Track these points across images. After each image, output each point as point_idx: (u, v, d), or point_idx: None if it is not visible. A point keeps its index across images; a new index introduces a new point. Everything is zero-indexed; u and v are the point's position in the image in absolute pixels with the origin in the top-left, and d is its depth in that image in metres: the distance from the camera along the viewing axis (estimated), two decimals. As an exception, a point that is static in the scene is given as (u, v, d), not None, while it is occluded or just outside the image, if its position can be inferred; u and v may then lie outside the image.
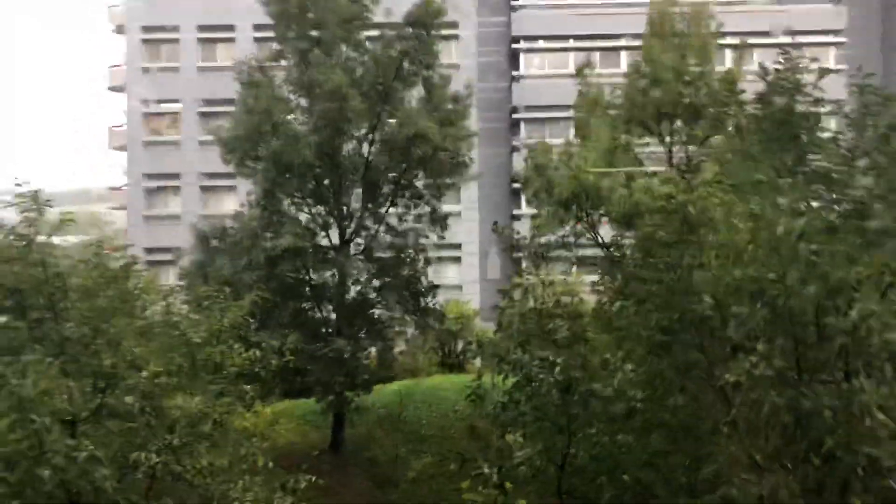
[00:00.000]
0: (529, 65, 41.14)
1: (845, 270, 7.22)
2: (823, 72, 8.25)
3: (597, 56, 26.16)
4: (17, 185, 8.32)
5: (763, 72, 9.22)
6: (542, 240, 22.35)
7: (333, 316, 21.36)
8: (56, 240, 8.67)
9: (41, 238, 8.48)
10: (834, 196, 8.14)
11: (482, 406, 9.64)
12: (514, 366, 9.45)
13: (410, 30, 20.96)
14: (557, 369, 9.12)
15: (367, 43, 21.59)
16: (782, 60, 8.46)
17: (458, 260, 36.71)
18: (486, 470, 8.83)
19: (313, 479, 9.29)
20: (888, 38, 41.32)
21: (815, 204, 7.89)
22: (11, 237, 8.43)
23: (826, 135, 8.40)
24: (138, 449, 7.98)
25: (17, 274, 8.34)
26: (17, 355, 7.71)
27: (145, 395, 8.51)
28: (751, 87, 10.80)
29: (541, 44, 40.82)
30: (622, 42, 37.61)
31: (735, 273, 7.49)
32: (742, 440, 7.90)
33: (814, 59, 8.61)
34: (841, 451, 6.94)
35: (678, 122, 21.53)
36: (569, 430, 9.47)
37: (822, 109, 8.36)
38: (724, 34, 23.18)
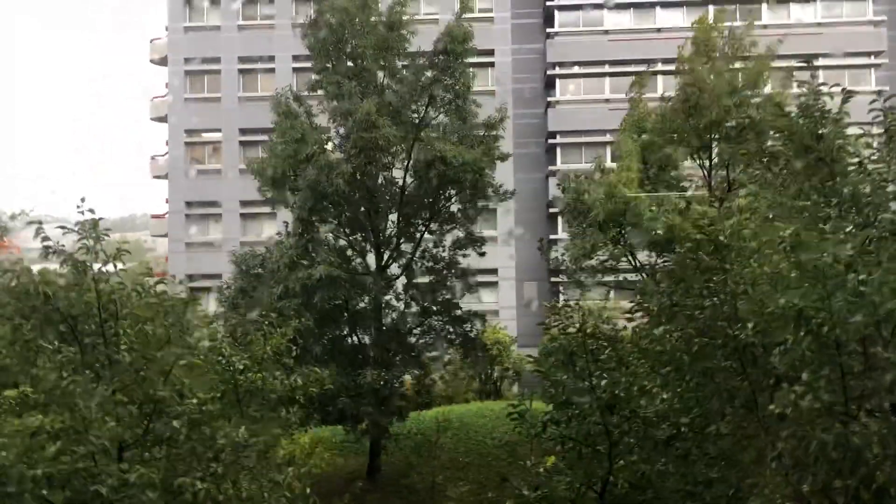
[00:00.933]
0: (565, 90, 41.31)
1: (893, 299, 7.11)
2: (848, 94, 8.19)
3: (646, 80, 26.14)
4: (80, 212, 8.62)
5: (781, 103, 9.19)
6: (581, 264, 22.28)
7: (369, 345, 21.53)
8: (109, 268, 8.93)
9: (97, 266, 8.74)
10: (865, 221, 8.05)
11: (523, 426, 9.60)
12: (556, 385, 9.42)
13: (441, 57, 21.28)
14: (601, 389, 9.07)
15: (403, 71, 21.96)
16: (807, 85, 8.43)
17: (494, 285, 36.69)
18: (526, 492, 8.79)
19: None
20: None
21: (852, 230, 7.81)
22: (68, 265, 8.71)
23: (854, 159, 8.33)
24: (183, 475, 8.13)
25: (71, 300, 8.60)
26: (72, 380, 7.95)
27: (192, 423, 8.67)
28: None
29: (576, 69, 41.00)
30: (658, 67, 37.58)
31: (779, 301, 7.41)
32: (788, 474, 7.77)
33: (836, 84, 8.54)
34: (893, 487, 6.79)
35: (720, 145, 21.44)
36: (610, 456, 9.39)
37: (851, 133, 8.31)
38: (773, 57, 23.11)
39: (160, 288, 9.04)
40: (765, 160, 9.16)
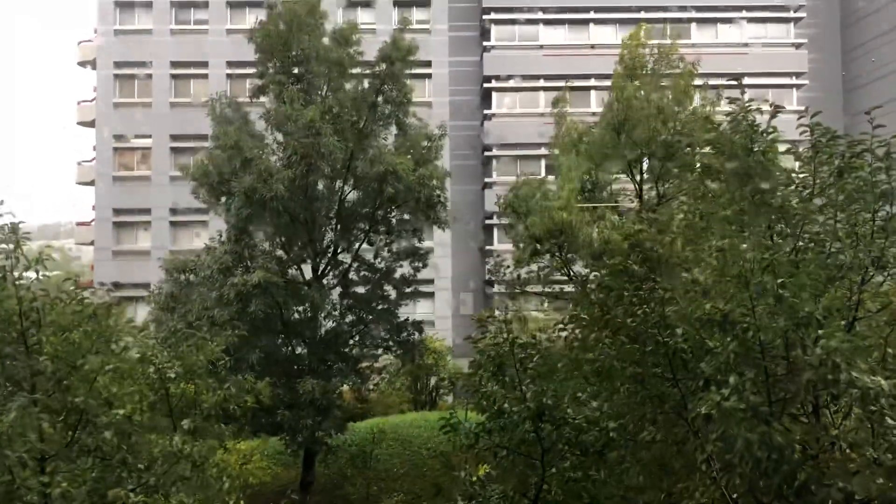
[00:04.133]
0: (501, 103, 41.81)
1: (811, 304, 7.43)
2: (776, 110, 8.54)
3: (567, 95, 26.78)
4: None
5: (711, 125, 9.52)
6: (517, 274, 22.54)
7: (306, 354, 21.25)
8: (30, 274, 8.59)
9: (17, 273, 8.39)
10: (792, 232, 8.39)
11: (455, 437, 9.63)
12: (486, 397, 9.47)
13: (383, 67, 21.30)
14: (529, 395, 9.17)
15: (345, 85, 21.88)
16: (736, 100, 8.75)
17: (430, 295, 36.74)
18: (461, 503, 8.80)
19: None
20: (849, 80, 42.69)
21: (776, 239, 8.13)
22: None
23: (781, 174, 8.68)
24: (113, 486, 7.85)
25: (-11, 307, 8.24)
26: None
27: (121, 433, 8.39)
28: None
29: (512, 83, 41.55)
30: (592, 82, 38.42)
31: (705, 306, 7.65)
32: (717, 477, 7.99)
33: (765, 100, 8.91)
34: (814, 485, 7.06)
35: (651, 160, 21.99)
36: (542, 463, 9.48)
37: (779, 149, 8.65)
38: (698, 75, 23.80)
39: (84, 295, 8.74)
40: (696, 173, 9.45)
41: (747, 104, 8.28)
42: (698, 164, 9.42)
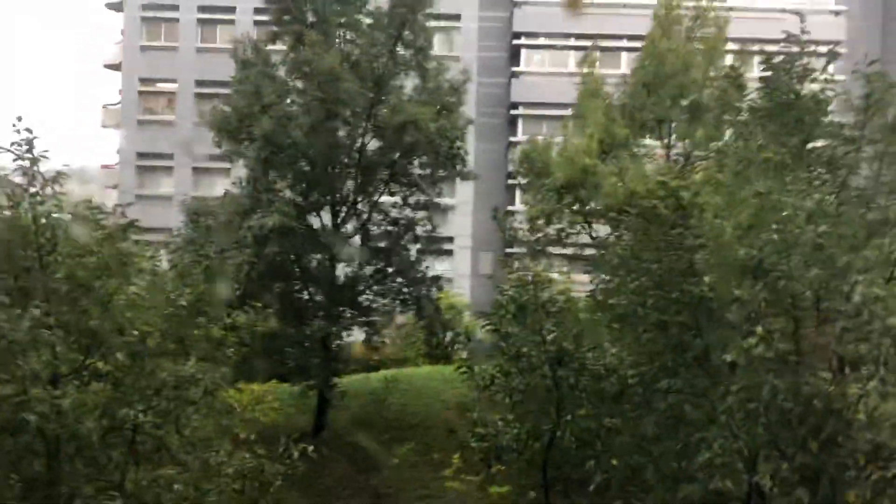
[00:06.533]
0: (530, 61, 41.00)
1: (851, 255, 7.13)
2: (832, 55, 8.15)
3: (597, 55, 26.13)
4: (15, 130, 8.09)
5: (767, 58, 9.12)
6: (538, 229, 22.15)
7: (320, 299, 21.17)
8: (49, 192, 8.47)
9: (34, 189, 8.28)
10: (837, 182, 8.08)
11: (472, 378, 9.49)
12: (506, 338, 9.30)
13: (402, 9, 20.77)
14: (550, 339, 8.98)
15: (364, 26, 21.42)
16: (787, 43, 8.35)
17: (450, 253, 36.50)
18: (474, 444, 8.69)
19: (309, 448, 9.18)
20: (888, 49, 41.44)
21: (819, 188, 7.80)
22: (2, 186, 8.22)
23: (831, 120, 8.32)
24: (124, 407, 7.79)
25: (5, 221, 8.13)
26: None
27: (133, 356, 8.32)
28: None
29: (542, 41, 40.69)
30: (623, 43, 37.49)
31: (738, 253, 7.37)
32: (735, 428, 7.79)
33: (817, 41, 8.50)
34: (841, 437, 6.84)
35: (680, 121, 21.43)
36: (558, 409, 9.33)
37: (829, 94, 8.26)
38: (729, 39, 23.10)
39: (101, 215, 8.61)
40: (742, 114, 9.08)
41: (803, 42, 7.87)
42: (745, 106, 9.03)
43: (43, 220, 8.27)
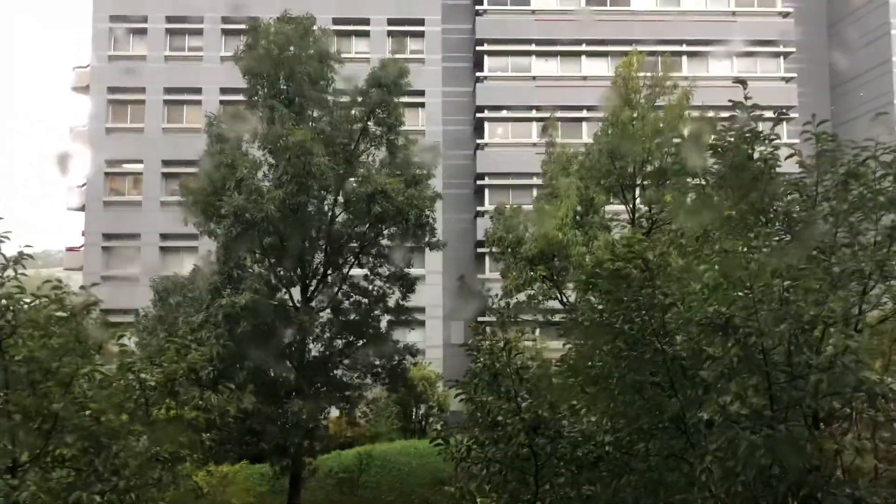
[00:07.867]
0: (493, 133, 41.94)
1: (817, 308, 7.21)
2: (780, 116, 8.45)
3: (556, 123, 26.85)
4: None
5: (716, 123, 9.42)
6: (510, 301, 22.23)
7: (293, 377, 20.83)
8: (10, 274, 8.31)
9: (-6, 271, 8.11)
10: (796, 238, 8.24)
11: (447, 451, 9.27)
12: (480, 407, 9.14)
13: (374, 90, 21.24)
14: (525, 406, 8.84)
15: (332, 103, 21.80)
16: (738, 104, 8.65)
17: (421, 323, 36.33)
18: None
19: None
20: (837, 114, 43.03)
21: (780, 240, 7.96)
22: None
23: (787, 178, 8.57)
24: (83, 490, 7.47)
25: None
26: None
27: (90, 436, 8.03)
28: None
29: (504, 113, 41.72)
30: (583, 114, 38.56)
31: (708, 310, 7.42)
32: (717, 487, 7.69)
33: (768, 107, 8.84)
34: (821, 493, 6.77)
35: (645, 185, 21.88)
36: (536, 479, 9.12)
37: (779, 154, 8.54)
38: (691, 107, 23.80)
39: (63, 294, 8.44)
40: (698, 179, 9.30)
41: (749, 107, 8.16)
42: (700, 172, 9.26)
43: (3, 302, 8.08)
